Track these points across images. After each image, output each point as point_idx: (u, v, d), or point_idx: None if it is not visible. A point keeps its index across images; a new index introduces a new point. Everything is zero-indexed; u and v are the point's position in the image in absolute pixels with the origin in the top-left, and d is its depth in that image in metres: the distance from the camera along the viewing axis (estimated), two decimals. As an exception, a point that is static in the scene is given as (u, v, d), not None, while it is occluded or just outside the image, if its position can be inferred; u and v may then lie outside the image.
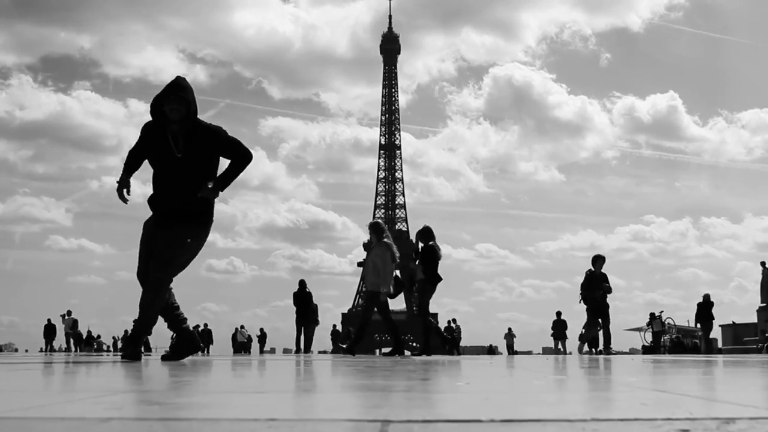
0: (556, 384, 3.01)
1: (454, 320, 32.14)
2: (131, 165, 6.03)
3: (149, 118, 5.86)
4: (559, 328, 26.39)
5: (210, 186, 5.78)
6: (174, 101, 5.67)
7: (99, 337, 38.27)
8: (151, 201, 5.92)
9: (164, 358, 6.03)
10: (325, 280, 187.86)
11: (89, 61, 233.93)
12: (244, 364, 5.87)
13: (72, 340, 31.86)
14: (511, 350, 32.48)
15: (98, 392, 2.35)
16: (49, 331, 32.76)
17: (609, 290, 14.62)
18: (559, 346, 26.38)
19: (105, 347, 37.69)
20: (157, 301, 5.84)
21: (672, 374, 4.03)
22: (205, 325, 34.47)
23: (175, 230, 5.79)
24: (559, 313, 26.87)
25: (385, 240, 11.28)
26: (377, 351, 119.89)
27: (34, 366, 5.34)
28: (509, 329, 33.55)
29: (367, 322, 11.60)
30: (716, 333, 35.46)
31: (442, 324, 32.92)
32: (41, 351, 38.94)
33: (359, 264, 11.71)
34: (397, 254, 11.38)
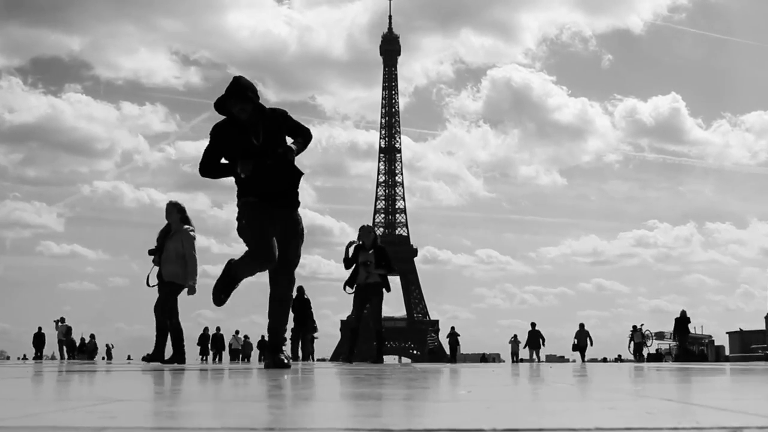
0: (559, 392, 3.01)
1: (452, 328, 32.53)
2: (220, 165, 6.08)
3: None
4: (534, 338, 28.39)
5: (287, 149, 5.98)
6: (239, 102, 5.88)
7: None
8: (249, 189, 6.00)
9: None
10: (323, 287, 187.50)
11: (80, 63, 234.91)
12: (241, 373, 5.86)
13: (65, 348, 31.81)
14: (516, 357, 32.41)
15: (92, 401, 2.35)
16: (39, 339, 32.65)
17: None
18: (534, 356, 28.55)
19: (102, 357, 37.57)
20: (286, 320, 6.29)
21: (678, 382, 4.03)
22: (218, 329, 32.25)
23: (291, 219, 6.07)
24: (533, 324, 28.83)
25: (189, 227, 9.57)
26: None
27: (27, 374, 5.33)
28: (515, 336, 33.40)
29: (175, 323, 9.67)
30: (723, 340, 35.72)
31: (445, 330, 33.17)
32: (25, 358, 38.89)
33: (151, 252, 9.64)
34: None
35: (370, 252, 10.84)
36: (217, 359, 31.30)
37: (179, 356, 9.38)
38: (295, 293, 17.39)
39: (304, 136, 6.13)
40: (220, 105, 5.96)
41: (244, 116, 5.89)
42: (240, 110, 5.88)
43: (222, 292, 6.11)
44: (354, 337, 11.59)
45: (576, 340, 28.17)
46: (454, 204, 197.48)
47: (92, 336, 37.17)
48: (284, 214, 6.07)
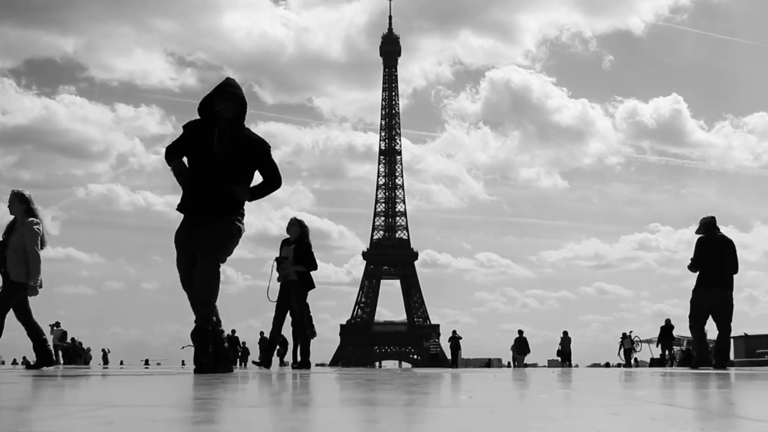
0: (561, 398, 3.01)
1: (454, 332, 32.76)
2: (173, 155, 6.04)
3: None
4: (521, 344, 30.98)
5: (242, 188, 5.92)
6: (228, 99, 5.88)
7: (89, 350, 38.19)
8: (183, 202, 5.99)
9: (198, 370, 6.03)
10: (321, 291, 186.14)
11: (74, 65, 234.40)
12: (239, 377, 5.86)
13: (60, 353, 31.81)
14: (519, 362, 32.62)
15: (88, 406, 2.35)
16: None
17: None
18: (521, 361, 30.98)
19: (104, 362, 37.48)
20: (213, 294, 5.98)
21: (682, 388, 4.03)
22: (233, 331, 30.46)
23: (216, 225, 5.90)
24: (521, 332, 31.46)
25: (34, 220, 8.46)
26: (377, 364, 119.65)
27: (22, 379, 5.33)
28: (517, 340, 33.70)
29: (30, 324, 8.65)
30: (728, 345, 35.90)
31: (446, 335, 33.49)
32: (15, 363, 38.83)
33: None
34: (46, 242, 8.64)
35: (291, 247, 10.04)
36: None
37: (47, 359, 8.55)
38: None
39: (272, 180, 6.03)
40: (205, 102, 5.96)
41: (229, 114, 5.88)
42: (226, 107, 5.88)
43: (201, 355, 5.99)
44: (271, 343, 10.80)
45: (560, 347, 30.72)
46: (454, 207, 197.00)
47: (72, 339, 37.05)
48: (205, 231, 5.90)
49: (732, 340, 36.26)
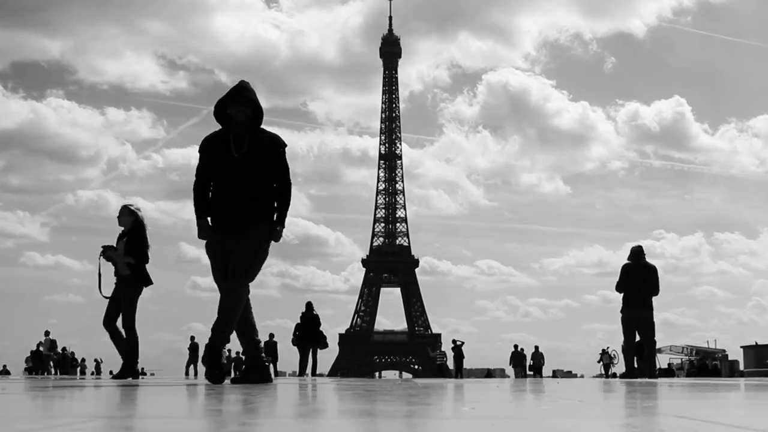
0: (566, 409, 3.00)
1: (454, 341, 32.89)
2: (203, 200, 6.06)
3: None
4: (517, 357, 32.73)
5: (277, 227, 6.02)
6: (241, 103, 5.95)
7: (83, 360, 38.12)
8: (213, 215, 6.04)
9: (234, 380, 6.06)
10: (318, 299, 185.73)
11: (63, 67, 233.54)
12: (239, 388, 5.86)
13: (51, 363, 31.78)
14: (523, 372, 32.68)
15: (79, 418, 2.35)
16: (36, 356, 32.71)
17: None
18: (519, 373, 32.53)
19: (91, 372, 37.35)
20: (236, 315, 5.99)
21: (691, 399, 4.03)
22: (271, 336, 29.03)
23: (248, 235, 5.93)
24: (516, 346, 33.46)
25: None
26: (377, 374, 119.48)
27: (14, 390, 5.33)
28: (521, 350, 33.85)
29: None
30: (738, 355, 35.83)
31: (447, 344, 33.66)
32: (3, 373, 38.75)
33: None
34: None
35: (123, 240, 9.13)
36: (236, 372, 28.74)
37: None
38: (304, 308, 16.68)
39: (284, 184, 6.04)
40: (219, 106, 6.02)
41: (241, 118, 5.93)
42: (238, 111, 5.93)
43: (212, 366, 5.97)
44: (120, 345, 9.09)
45: (532, 361, 32.56)
46: (454, 213, 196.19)
47: (64, 349, 36.90)
48: (237, 240, 5.96)
49: (741, 349, 36.31)
